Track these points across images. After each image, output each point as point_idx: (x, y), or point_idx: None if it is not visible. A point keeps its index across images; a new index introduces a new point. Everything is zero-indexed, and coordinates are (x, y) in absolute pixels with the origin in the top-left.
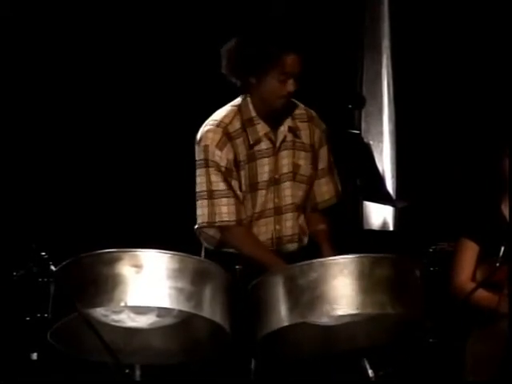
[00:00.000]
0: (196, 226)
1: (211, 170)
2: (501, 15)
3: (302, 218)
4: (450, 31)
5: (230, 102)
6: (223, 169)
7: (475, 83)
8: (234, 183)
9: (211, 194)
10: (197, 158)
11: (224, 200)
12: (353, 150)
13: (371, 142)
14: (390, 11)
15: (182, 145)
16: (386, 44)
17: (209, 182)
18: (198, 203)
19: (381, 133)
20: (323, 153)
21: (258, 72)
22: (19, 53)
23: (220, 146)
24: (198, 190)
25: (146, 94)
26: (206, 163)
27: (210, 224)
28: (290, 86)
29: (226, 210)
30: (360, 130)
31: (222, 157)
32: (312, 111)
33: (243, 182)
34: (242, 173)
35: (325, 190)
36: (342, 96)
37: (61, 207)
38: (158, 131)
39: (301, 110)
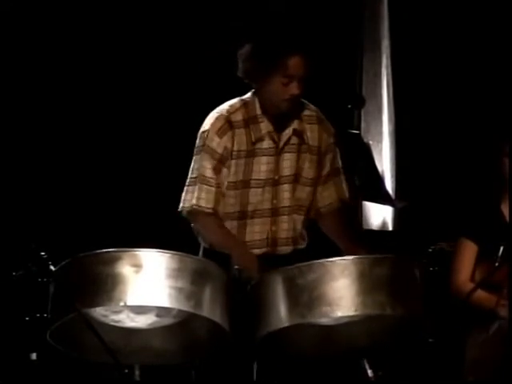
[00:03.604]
0: (179, 209)
1: (205, 155)
2: (501, 15)
3: (300, 220)
4: (450, 31)
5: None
6: (217, 155)
7: (475, 83)
8: (225, 172)
9: (198, 179)
10: (195, 145)
11: (206, 187)
12: (352, 149)
13: (371, 142)
14: (389, 11)
15: (182, 145)
16: (385, 44)
17: (200, 166)
18: (186, 188)
19: (380, 133)
20: (329, 158)
21: (262, 75)
22: (19, 51)
23: (220, 133)
24: (188, 175)
25: (146, 95)
26: (202, 149)
27: (189, 207)
28: (294, 88)
29: (204, 196)
30: (360, 130)
31: (219, 143)
32: (321, 114)
33: (232, 173)
34: (235, 166)
35: (326, 195)
36: (341, 96)
37: (60, 207)
38: (158, 131)
39: (311, 111)
